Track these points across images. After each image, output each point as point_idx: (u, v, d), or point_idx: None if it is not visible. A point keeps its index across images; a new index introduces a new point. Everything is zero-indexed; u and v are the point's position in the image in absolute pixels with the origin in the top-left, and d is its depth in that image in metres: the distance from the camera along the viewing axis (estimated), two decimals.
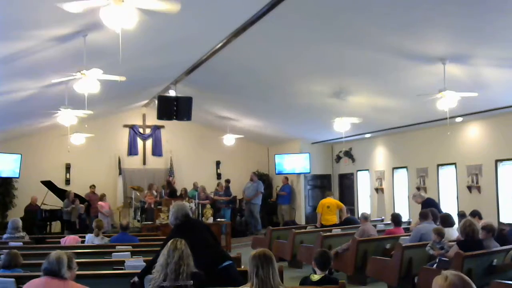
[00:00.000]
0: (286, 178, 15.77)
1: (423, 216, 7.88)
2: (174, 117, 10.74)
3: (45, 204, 13.65)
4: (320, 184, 16.31)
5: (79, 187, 14.57)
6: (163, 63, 9.36)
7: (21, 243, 7.82)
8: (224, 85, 11.21)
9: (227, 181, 15.36)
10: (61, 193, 13.78)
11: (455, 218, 8.16)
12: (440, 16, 5.99)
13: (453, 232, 7.47)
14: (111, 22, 4.83)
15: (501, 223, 7.50)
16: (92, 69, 6.78)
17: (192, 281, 3.84)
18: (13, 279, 4.63)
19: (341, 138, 12.16)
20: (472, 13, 5.83)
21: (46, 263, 3.83)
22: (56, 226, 13.91)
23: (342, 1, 6.12)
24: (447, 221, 7.61)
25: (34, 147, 14.78)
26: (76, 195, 13.54)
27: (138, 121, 16.44)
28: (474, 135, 10.80)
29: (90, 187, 14.55)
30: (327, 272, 4.62)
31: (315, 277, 4.57)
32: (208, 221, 12.16)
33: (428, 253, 6.84)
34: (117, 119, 16.00)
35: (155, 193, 13.91)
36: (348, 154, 15.24)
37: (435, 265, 6.40)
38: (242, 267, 5.40)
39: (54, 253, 3.90)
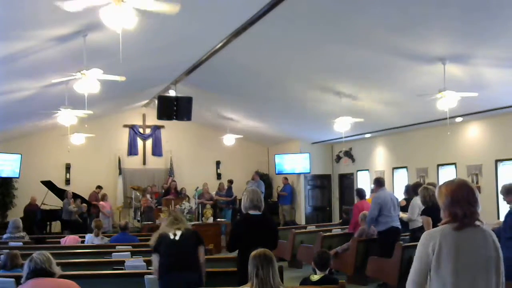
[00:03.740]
0: (286, 179, 15.75)
1: (378, 183, 8.40)
2: (174, 117, 10.74)
3: (45, 204, 13.64)
4: (320, 184, 16.30)
5: (79, 187, 14.55)
6: (163, 63, 9.35)
7: (21, 243, 7.83)
8: (224, 85, 11.20)
9: (230, 182, 15.33)
10: (61, 193, 13.77)
11: None
12: (440, 16, 5.99)
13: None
14: (111, 22, 4.83)
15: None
16: (92, 69, 6.78)
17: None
18: (13, 279, 4.63)
19: (341, 138, 12.15)
20: (472, 13, 5.83)
21: (33, 264, 3.64)
22: (56, 226, 13.91)
23: (342, 2, 6.12)
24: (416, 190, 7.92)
25: (34, 147, 14.78)
26: (76, 195, 13.54)
27: (138, 121, 16.44)
28: (474, 135, 10.80)
29: (97, 187, 14.50)
30: (327, 272, 4.63)
31: (315, 277, 4.59)
32: (208, 221, 12.18)
33: None
34: (117, 119, 16.00)
35: (149, 196, 13.92)
36: (348, 154, 15.23)
37: None
38: None
39: (39, 253, 3.73)
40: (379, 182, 8.47)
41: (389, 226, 7.93)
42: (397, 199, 8.48)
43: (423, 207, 6.92)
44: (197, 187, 14.78)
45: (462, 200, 2.66)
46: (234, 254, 5.20)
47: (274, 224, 5.39)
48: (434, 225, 6.23)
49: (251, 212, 4.96)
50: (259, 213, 4.98)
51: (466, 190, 2.70)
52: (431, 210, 6.51)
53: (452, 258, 2.58)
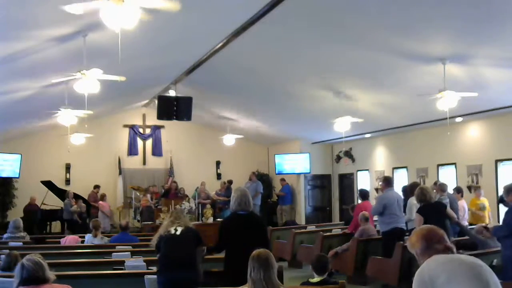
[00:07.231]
0: (283, 180, 15.69)
1: (387, 182, 8.29)
2: (174, 117, 10.74)
3: (45, 204, 13.63)
4: (320, 184, 16.29)
5: (79, 187, 14.52)
6: (163, 63, 9.35)
7: (21, 243, 7.83)
8: (224, 85, 11.20)
9: (229, 182, 15.33)
10: (61, 193, 13.76)
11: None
12: (440, 16, 6.00)
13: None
14: (111, 22, 4.83)
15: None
16: (92, 69, 6.78)
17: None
18: (13, 279, 4.62)
19: (341, 138, 12.14)
20: (472, 13, 5.83)
21: (25, 272, 3.43)
22: (56, 226, 13.91)
23: (342, 2, 6.12)
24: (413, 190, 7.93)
25: (34, 147, 14.76)
26: (76, 195, 13.53)
27: (138, 121, 16.42)
28: (474, 135, 10.80)
29: (95, 187, 14.51)
30: (325, 275, 4.62)
31: (315, 279, 4.59)
32: (208, 221, 12.17)
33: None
34: (117, 119, 15.98)
35: (149, 196, 13.91)
36: (348, 154, 15.22)
37: None
38: None
39: (29, 260, 3.48)
40: (388, 181, 8.38)
41: (393, 226, 7.88)
42: (402, 200, 8.44)
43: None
44: (197, 187, 14.80)
45: (436, 240, 2.72)
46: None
47: (262, 222, 5.32)
48: (427, 224, 6.30)
49: (238, 212, 5.01)
50: (245, 212, 4.98)
51: (435, 231, 2.77)
52: (424, 209, 6.59)
53: (452, 267, 2.58)
